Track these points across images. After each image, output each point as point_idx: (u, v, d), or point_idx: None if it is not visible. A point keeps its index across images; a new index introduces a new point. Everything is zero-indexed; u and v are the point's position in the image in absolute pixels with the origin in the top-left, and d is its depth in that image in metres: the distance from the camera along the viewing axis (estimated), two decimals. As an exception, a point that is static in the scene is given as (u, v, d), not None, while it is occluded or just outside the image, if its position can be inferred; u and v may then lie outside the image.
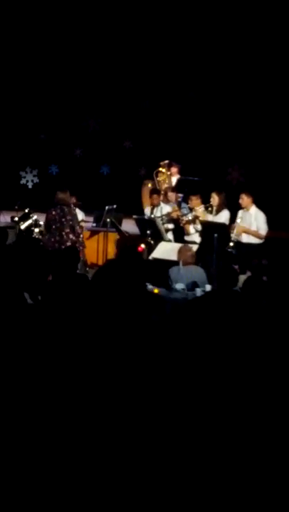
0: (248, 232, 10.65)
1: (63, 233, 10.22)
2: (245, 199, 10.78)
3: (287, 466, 4.03)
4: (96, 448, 4.14)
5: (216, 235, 10.31)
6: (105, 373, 5.10)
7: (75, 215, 10.61)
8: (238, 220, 10.66)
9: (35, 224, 11.83)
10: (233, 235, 10.55)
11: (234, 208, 10.84)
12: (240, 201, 10.78)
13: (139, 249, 10.17)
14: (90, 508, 3.56)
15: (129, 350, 5.35)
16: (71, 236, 10.30)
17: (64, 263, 7.60)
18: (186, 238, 11.17)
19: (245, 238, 10.67)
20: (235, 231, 10.58)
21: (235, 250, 10.30)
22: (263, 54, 14.10)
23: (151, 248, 10.89)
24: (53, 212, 10.35)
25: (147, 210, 12.07)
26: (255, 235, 10.64)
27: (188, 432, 4.39)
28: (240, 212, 10.75)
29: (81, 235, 11.53)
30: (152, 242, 11.08)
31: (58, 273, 9.52)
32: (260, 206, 10.83)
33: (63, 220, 10.25)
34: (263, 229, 10.67)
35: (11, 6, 16.04)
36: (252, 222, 10.67)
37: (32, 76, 16.72)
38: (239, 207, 10.78)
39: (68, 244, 10.19)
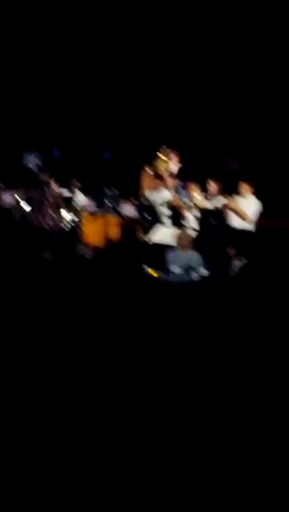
0: (235, 207, 10.87)
1: (45, 212, 10.55)
2: (244, 187, 11.01)
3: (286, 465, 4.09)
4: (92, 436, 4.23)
5: (213, 221, 10.54)
6: (106, 351, 5.26)
7: (55, 196, 10.89)
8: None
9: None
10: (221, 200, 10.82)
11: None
12: (240, 189, 11.00)
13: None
14: (90, 508, 3.56)
15: (128, 329, 5.51)
16: (53, 215, 10.63)
17: (65, 244, 7.80)
18: (184, 224, 11.37)
19: (238, 224, 10.88)
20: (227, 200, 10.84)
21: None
22: (260, 47, 14.20)
23: (149, 232, 11.09)
24: (35, 192, 10.75)
25: (148, 195, 12.24)
26: (242, 214, 10.83)
27: (187, 419, 4.47)
28: (237, 197, 10.97)
29: (81, 216, 11.86)
30: (150, 226, 11.29)
31: (56, 254, 9.77)
32: (258, 195, 11.06)
33: (44, 199, 10.58)
34: (250, 213, 10.88)
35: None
36: (246, 208, 10.89)
37: (36, 63, 16.85)
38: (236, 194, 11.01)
39: (50, 223, 10.51)
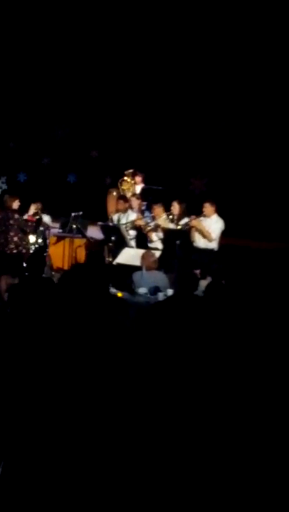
0: (200, 228, 10.96)
1: (8, 236, 10.60)
2: (208, 208, 11.07)
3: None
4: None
5: (177, 241, 10.65)
6: (71, 374, 5.30)
7: (19, 220, 10.94)
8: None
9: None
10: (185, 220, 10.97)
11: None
12: (204, 209, 11.07)
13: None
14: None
15: (94, 351, 5.55)
16: (15, 239, 10.68)
17: (31, 266, 7.83)
18: (149, 245, 11.45)
19: (203, 243, 10.98)
20: (191, 220, 10.96)
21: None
22: (224, 66, 14.37)
23: (115, 254, 11.18)
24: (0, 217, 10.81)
25: (115, 217, 12.32)
26: (207, 235, 10.90)
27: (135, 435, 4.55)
28: (201, 218, 11.07)
29: (48, 239, 11.91)
30: (115, 248, 11.38)
31: (23, 276, 9.77)
32: (220, 215, 11.18)
33: (7, 223, 10.64)
34: (215, 233, 10.97)
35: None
36: (210, 228, 10.99)
37: (0, 85, 16.92)
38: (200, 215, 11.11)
39: (12, 246, 10.57)
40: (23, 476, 3.84)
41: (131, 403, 4.90)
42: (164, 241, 11.21)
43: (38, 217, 12.06)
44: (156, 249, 11.01)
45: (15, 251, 10.61)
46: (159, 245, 11.28)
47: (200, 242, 11.00)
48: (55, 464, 3.96)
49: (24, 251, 10.80)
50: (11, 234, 10.60)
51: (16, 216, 10.82)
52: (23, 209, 11.39)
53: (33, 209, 12.46)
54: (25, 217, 11.81)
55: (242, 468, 4.03)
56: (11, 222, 10.64)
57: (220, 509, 3.66)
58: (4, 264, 10.49)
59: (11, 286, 9.18)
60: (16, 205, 10.87)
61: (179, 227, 11.12)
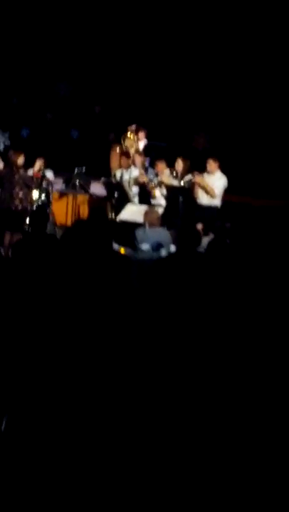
0: (203, 184, 10.97)
1: (13, 192, 10.56)
2: (212, 164, 11.09)
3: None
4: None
5: (180, 198, 10.67)
6: (73, 331, 5.33)
7: (24, 175, 10.90)
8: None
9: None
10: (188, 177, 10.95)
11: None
12: (207, 166, 11.08)
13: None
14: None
15: (97, 306, 5.58)
16: (20, 195, 10.64)
17: (34, 222, 7.86)
18: (152, 201, 11.46)
19: (206, 200, 11.00)
20: (194, 176, 10.96)
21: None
22: (232, 23, 14.26)
23: (117, 210, 11.19)
24: (3, 172, 10.75)
25: (118, 173, 12.30)
26: (210, 191, 10.92)
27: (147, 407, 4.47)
28: (204, 175, 11.08)
29: (51, 195, 11.90)
30: (118, 204, 11.38)
31: (26, 233, 9.79)
32: (223, 172, 11.18)
33: (12, 179, 10.58)
34: (218, 190, 10.99)
35: None
36: (213, 184, 11.00)
37: (3, 40, 16.76)
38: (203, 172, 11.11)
39: (17, 203, 10.53)
40: (26, 430, 3.90)
41: (132, 359, 4.94)
42: (167, 197, 11.21)
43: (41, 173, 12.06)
44: (159, 205, 11.02)
45: (20, 207, 10.58)
46: (162, 202, 11.29)
47: (203, 198, 11.01)
48: (57, 419, 4.02)
49: (29, 207, 10.78)
50: (16, 190, 10.57)
51: (21, 172, 10.78)
52: (27, 165, 11.37)
53: (38, 165, 12.45)
54: (31, 173, 11.81)
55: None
56: (16, 178, 10.59)
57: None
58: (9, 220, 10.47)
59: (15, 242, 9.21)
60: (21, 160, 10.81)
61: (182, 183, 11.11)
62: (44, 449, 4.05)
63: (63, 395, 4.38)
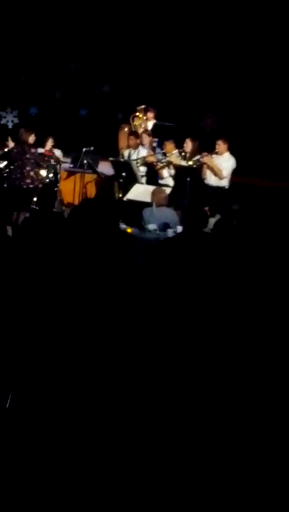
0: (212, 165, 10.96)
1: (24, 171, 10.54)
2: (221, 145, 11.06)
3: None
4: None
5: (188, 178, 10.65)
6: (80, 307, 5.34)
7: (35, 154, 10.88)
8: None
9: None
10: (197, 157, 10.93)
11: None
12: (216, 147, 11.06)
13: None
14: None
15: (103, 284, 5.59)
16: (31, 174, 10.62)
17: (41, 201, 7.85)
18: (160, 181, 11.45)
19: (214, 181, 10.99)
20: (203, 157, 10.94)
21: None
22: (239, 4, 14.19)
23: (125, 190, 11.18)
24: (15, 150, 10.73)
25: (125, 153, 12.29)
26: (218, 172, 10.92)
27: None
28: (213, 156, 11.06)
29: (59, 174, 11.89)
30: (125, 183, 11.37)
31: (34, 211, 9.78)
32: (231, 153, 11.16)
33: (23, 157, 10.57)
34: (226, 171, 10.97)
35: None
36: (221, 166, 10.99)
37: (13, 19, 16.71)
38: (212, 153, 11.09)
39: (28, 181, 10.52)
40: (30, 406, 3.90)
41: (136, 335, 4.96)
42: (174, 178, 11.21)
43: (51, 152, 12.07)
44: (166, 185, 11.01)
45: (31, 185, 10.56)
46: (170, 182, 11.29)
47: (211, 179, 11.01)
48: (60, 396, 4.04)
49: (40, 186, 10.77)
50: (27, 168, 10.53)
51: (33, 150, 10.75)
52: (35, 143, 11.35)
53: (49, 143, 12.44)
54: (42, 151, 11.80)
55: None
56: (28, 156, 10.56)
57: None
58: (19, 199, 10.46)
59: (22, 220, 9.21)
60: (32, 139, 10.80)
61: (190, 163, 11.10)
62: (48, 424, 4.08)
63: (67, 372, 4.40)
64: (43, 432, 4.02)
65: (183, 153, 11.26)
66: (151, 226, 9.08)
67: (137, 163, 11.72)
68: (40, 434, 4.01)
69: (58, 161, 12.51)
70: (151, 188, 10.26)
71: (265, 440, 4.20)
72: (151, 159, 11.69)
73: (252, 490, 3.80)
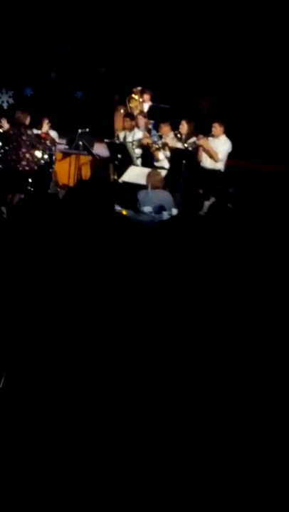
0: (208, 147, 10.92)
1: (20, 152, 10.51)
2: (217, 128, 11.02)
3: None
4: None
5: (184, 161, 10.62)
6: (74, 290, 5.33)
7: (32, 135, 10.84)
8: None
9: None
10: (193, 139, 10.89)
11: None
12: (212, 129, 11.01)
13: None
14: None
15: (98, 267, 5.58)
16: (27, 156, 10.58)
17: (36, 182, 7.84)
18: (155, 164, 11.42)
19: (210, 164, 10.96)
20: (199, 139, 10.91)
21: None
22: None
23: (120, 172, 11.15)
24: (11, 132, 10.68)
25: (121, 134, 12.25)
26: (214, 154, 10.88)
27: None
28: (209, 138, 11.02)
29: (54, 156, 11.84)
30: (121, 165, 11.33)
31: (29, 192, 9.76)
32: (228, 136, 11.13)
33: (19, 139, 10.53)
34: (222, 153, 10.94)
35: None
36: (217, 148, 10.95)
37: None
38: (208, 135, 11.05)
39: (24, 163, 10.48)
40: (24, 386, 3.89)
41: (131, 320, 4.95)
42: (170, 160, 11.18)
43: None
44: (162, 168, 10.99)
45: (27, 168, 10.52)
46: (166, 164, 11.26)
47: (206, 162, 10.98)
48: (56, 376, 4.03)
49: (36, 168, 10.74)
50: (23, 150, 10.49)
51: (29, 132, 10.70)
52: (30, 124, 11.30)
53: (45, 125, 12.38)
54: (38, 133, 11.75)
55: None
56: (24, 137, 10.52)
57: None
58: (15, 181, 10.42)
59: (17, 201, 9.19)
60: (28, 121, 10.76)
61: (186, 145, 11.07)
62: (42, 405, 4.07)
63: (62, 354, 4.39)
64: (37, 417, 4.00)
65: (179, 135, 11.21)
66: (147, 208, 9.07)
67: (133, 145, 11.68)
68: (35, 419, 3.99)
69: (53, 142, 12.46)
70: (147, 170, 10.24)
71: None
72: (147, 141, 11.65)
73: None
